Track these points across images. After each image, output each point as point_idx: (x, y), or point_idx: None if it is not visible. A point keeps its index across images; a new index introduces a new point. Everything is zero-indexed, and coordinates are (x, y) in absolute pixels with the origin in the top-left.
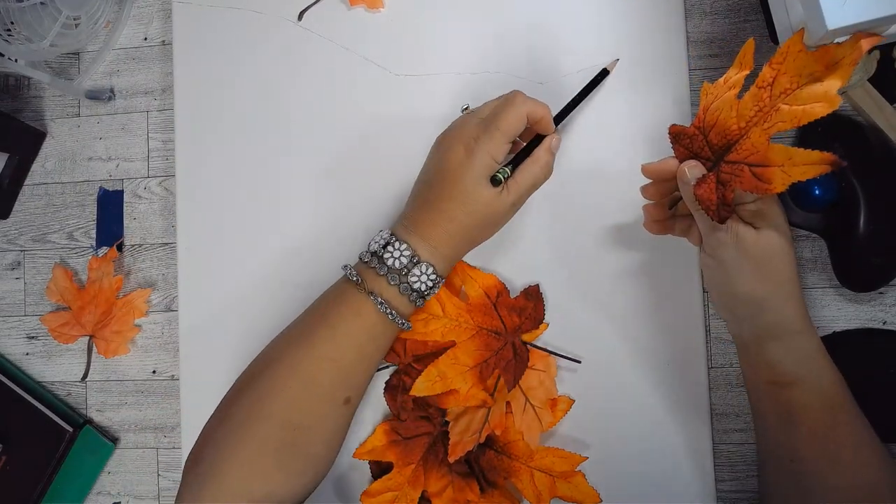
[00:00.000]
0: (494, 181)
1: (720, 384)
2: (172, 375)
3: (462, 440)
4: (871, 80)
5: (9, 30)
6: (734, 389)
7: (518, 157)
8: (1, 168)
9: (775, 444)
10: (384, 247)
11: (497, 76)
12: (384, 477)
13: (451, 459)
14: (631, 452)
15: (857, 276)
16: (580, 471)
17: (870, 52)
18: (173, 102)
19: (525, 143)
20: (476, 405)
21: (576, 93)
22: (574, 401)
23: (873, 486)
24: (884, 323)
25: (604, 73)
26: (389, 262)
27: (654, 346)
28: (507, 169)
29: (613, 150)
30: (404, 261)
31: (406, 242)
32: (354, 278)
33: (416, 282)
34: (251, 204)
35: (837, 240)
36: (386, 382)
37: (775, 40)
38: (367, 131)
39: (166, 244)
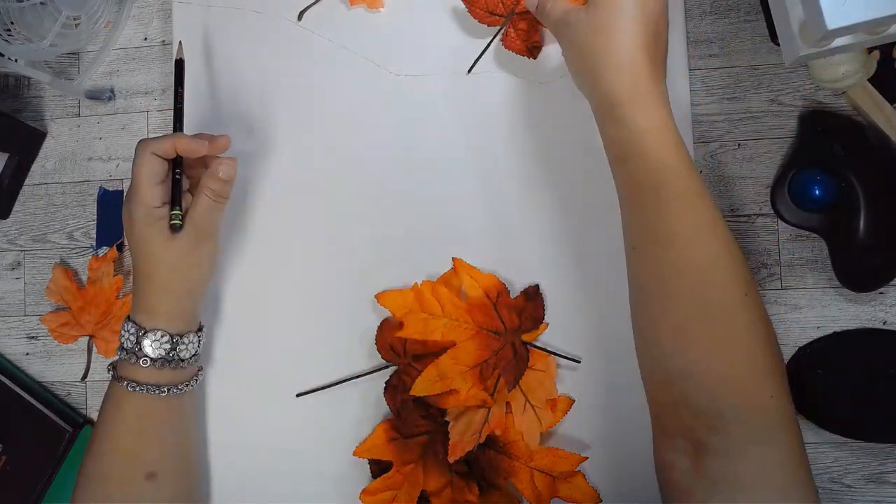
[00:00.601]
0: (173, 228)
1: None
2: None
3: (462, 440)
4: (871, 80)
5: (9, 30)
6: None
7: (174, 192)
8: (1, 168)
9: (624, 227)
10: (121, 338)
11: (497, 76)
12: (384, 476)
13: (451, 459)
14: (631, 452)
15: (857, 276)
16: (580, 471)
17: (870, 51)
18: (173, 103)
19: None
20: (476, 405)
21: None
22: (574, 401)
23: (711, 264)
24: (884, 323)
25: (180, 64)
26: (126, 346)
27: None
28: (177, 212)
29: None
30: (132, 339)
31: (132, 322)
32: (109, 371)
33: (151, 351)
34: (251, 203)
35: (837, 240)
36: (386, 382)
37: (775, 40)
38: (366, 131)
39: None
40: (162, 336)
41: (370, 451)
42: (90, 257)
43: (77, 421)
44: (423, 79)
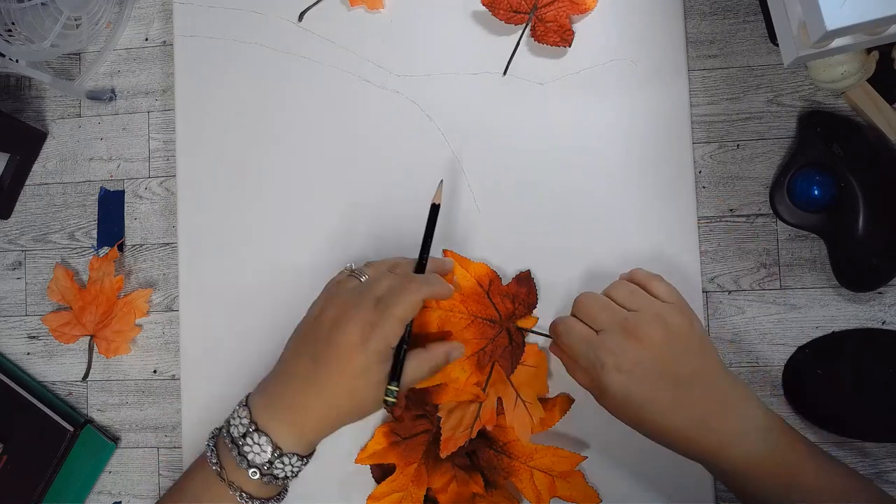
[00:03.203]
0: (386, 404)
1: None
2: (173, 375)
3: (454, 435)
4: (870, 80)
5: (10, 30)
6: None
7: (396, 365)
8: (2, 168)
9: None
10: (244, 436)
11: (497, 76)
12: (388, 479)
13: (443, 454)
14: (631, 452)
15: (856, 276)
16: (579, 470)
17: (869, 52)
18: (174, 103)
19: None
20: (469, 399)
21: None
22: (574, 400)
23: None
24: (883, 323)
25: (435, 209)
26: (250, 457)
27: None
28: (394, 389)
29: (612, 150)
30: (265, 456)
31: (267, 435)
32: (215, 467)
33: (279, 472)
34: (252, 204)
35: (837, 240)
36: None
37: (775, 41)
38: (366, 132)
39: (167, 244)
40: (296, 461)
41: (372, 456)
42: (91, 257)
43: (78, 420)
44: (422, 79)
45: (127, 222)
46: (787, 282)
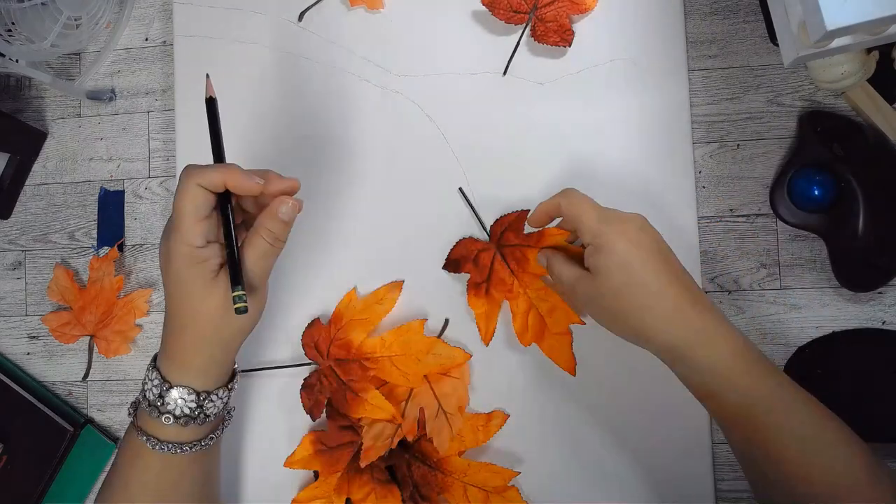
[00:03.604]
0: (238, 311)
1: None
2: None
3: (375, 444)
4: (870, 80)
5: (10, 30)
6: None
7: (232, 267)
8: (2, 168)
9: (734, 451)
10: (160, 396)
11: (497, 76)
12: (311, 485)
13: (363, 463)
14: (630, 452)
15: (856, 276)
16: (514, 485)
17: (869, 52)
18: (174, 103)
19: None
20: (386, 419)
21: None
22: (509, 416)
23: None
24: (883, 323)
25: (211, 103)
26: (149, 396)
27: None
28: (240, 293)
29: (612, 150)
30: (155, 391)
31: (157, 370)
32: (130, 415)
33: (174, 409)
34: None
35: (837, 240)
36: (304, 380)
37: (775, 41)
38: (366, 131)
39: None
40: (189, 394)
41: (299, 462)
42: (91, 257)
43: (78, 420)
44: (422, 79)
45: (127, 222)
46: (787, 282)
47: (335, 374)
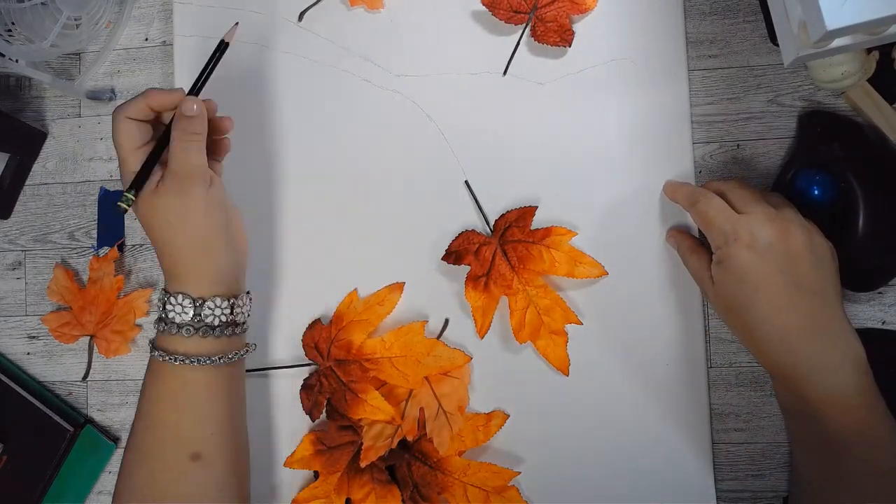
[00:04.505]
0: (118, 209)
1: (720, 384)
2: None
3: (375, 445)
4: (870, 80)
5: (9, 30)
6: (734, 389)
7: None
8: (2, 168)
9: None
10: (168, 310)
11: (497, 76)
12: (311, 485)
13: (363, 463)
14: (630, 452)
15: (856, 276)
16: (514, 485)
17: (869, 52)
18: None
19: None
20: (385, 420)
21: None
22: (509, 416)
23: None
24: (883, 323)
25: (223, 45)
26: (177, 320)
27: (654, 347)
28: (127, 196)
29: (612, 150)
30: (189, 311)
31: (181, 294)
32: (152, 350)
33: (175, 316)
34: (250, 204)
35: (837, 240)
36: (304, 380)
37: (775, 41)
38: (366, 131)
39: None
40: (184, 300)
41: (299, 461)
42: (91, 257)
43: (78, 420)
44: (422, 79)
45: (127, 222)
46: None
47: (335, 374)
